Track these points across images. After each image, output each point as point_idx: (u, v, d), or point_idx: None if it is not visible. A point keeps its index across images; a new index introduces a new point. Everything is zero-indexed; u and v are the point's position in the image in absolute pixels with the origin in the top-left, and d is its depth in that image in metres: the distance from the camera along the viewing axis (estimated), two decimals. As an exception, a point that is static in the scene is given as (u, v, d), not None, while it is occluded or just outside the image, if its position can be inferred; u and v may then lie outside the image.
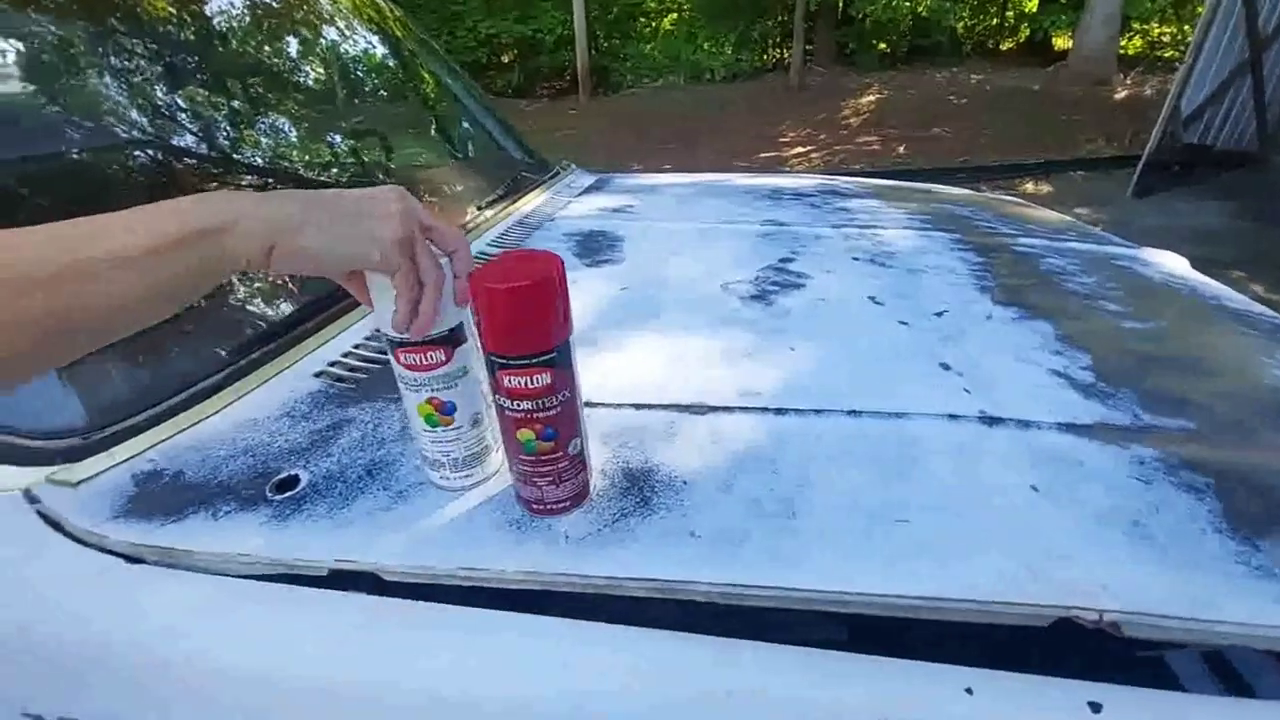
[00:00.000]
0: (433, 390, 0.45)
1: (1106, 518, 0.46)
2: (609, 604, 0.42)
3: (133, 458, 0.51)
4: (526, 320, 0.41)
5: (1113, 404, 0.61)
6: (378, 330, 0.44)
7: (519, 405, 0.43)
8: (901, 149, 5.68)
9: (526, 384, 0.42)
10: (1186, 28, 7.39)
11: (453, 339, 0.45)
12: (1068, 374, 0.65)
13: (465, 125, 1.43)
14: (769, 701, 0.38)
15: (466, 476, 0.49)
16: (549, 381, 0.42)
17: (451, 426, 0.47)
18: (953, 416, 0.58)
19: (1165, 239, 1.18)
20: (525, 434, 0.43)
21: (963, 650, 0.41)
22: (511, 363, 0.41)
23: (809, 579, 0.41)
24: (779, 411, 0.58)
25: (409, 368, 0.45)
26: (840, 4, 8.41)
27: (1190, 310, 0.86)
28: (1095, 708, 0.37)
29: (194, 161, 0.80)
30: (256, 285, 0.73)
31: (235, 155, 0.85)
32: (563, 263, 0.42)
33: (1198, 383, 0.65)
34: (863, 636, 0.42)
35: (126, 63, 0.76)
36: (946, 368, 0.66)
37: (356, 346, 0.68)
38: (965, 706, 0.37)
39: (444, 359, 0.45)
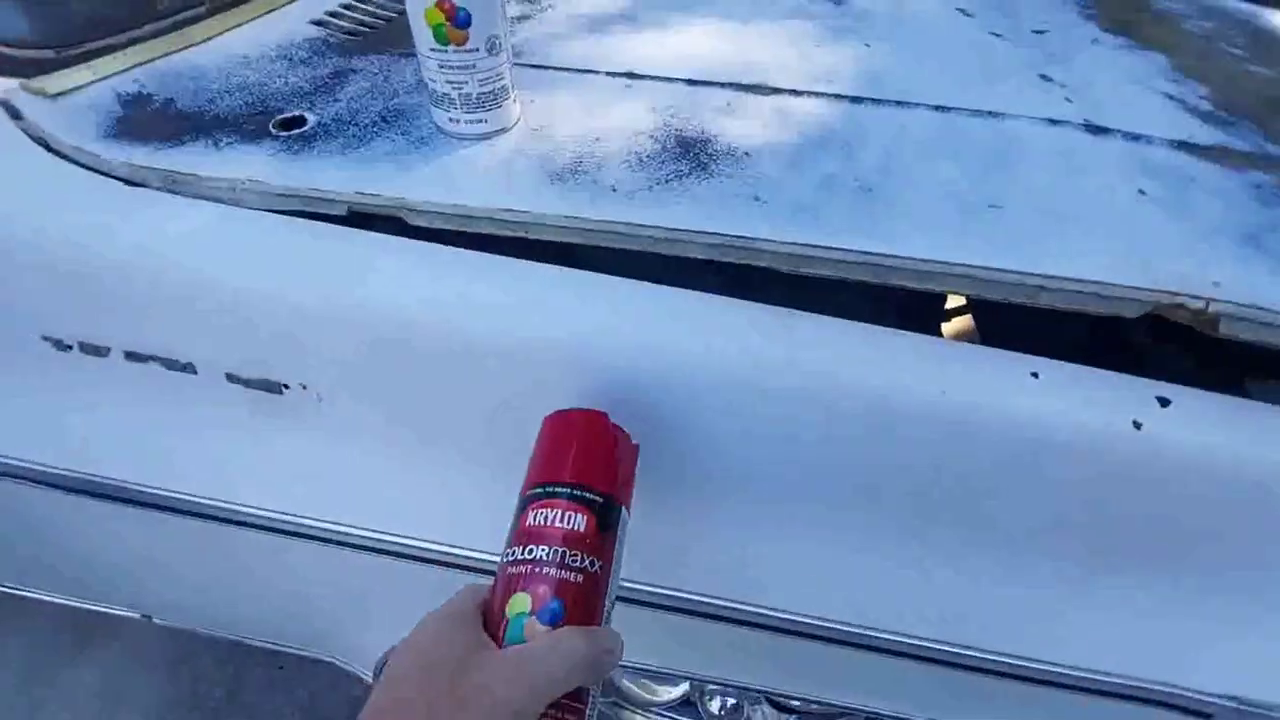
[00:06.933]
0: None
1: (1219, 227, 0.41)
2: (655, 262, 0.38)
3: (113, 75, 0.44)
4: (576, 446, 0.31)
5: (1233, 131, 0.53)
6: None
7: (529, 552, 0.27)
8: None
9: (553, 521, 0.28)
10: None
11: None
12: (1183, 99, 0.57)
13: None
14: (826, 373, 0.36)
15: (479, 121, 0.42)
16: (583, 529, 0.28)
17: (464, 47, 0.39)
18: (1053, 121, 0.50)
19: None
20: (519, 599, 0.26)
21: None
22: (547, 490, 0.29)
23: (892, 248, 0.37)
24: (855, 99, 0.50)
25: None
26: None
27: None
28: (1164, 402, 0.35)
29: None
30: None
31: None
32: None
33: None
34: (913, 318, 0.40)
35: None
36: (1047, 79, 0.57)
37: (362, 1, 0.57)
38: (1028, 389, 0.35)
39: None
